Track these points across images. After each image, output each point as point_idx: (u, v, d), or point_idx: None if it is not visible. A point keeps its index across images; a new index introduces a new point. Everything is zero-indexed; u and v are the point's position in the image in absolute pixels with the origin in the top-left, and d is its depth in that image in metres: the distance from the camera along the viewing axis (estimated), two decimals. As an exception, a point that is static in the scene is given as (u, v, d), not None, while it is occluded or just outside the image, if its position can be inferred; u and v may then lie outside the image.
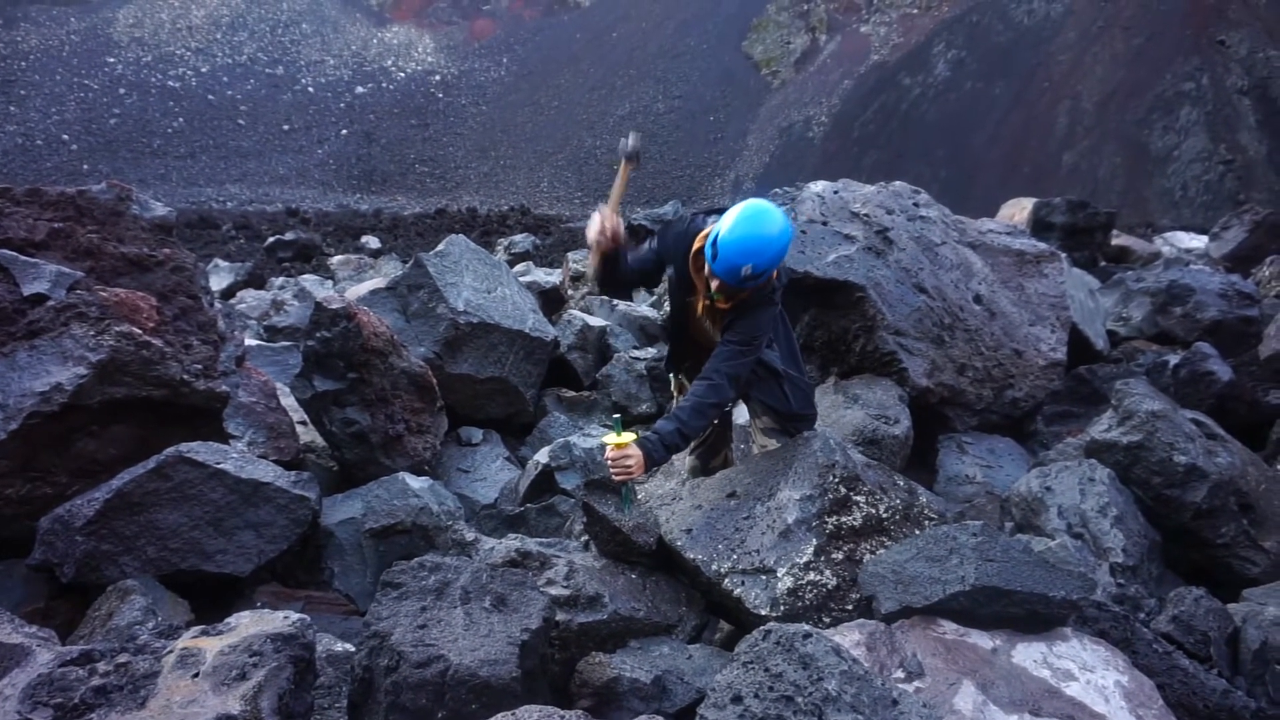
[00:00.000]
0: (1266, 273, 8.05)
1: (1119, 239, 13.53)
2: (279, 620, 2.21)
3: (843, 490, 2.70)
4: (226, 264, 13.76)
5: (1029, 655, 2.20)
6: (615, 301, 8.16)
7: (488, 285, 6.03)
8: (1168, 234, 17.81)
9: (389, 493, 4.46)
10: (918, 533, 2.78)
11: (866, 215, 5.26)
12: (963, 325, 5.05)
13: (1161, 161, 37.48)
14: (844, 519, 2.66)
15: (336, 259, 16.62)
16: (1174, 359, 5.46)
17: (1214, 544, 3.24)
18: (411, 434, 5.01)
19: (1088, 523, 3.15)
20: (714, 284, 2.94)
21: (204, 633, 2.19)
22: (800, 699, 1.69)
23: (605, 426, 2.67)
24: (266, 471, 4.09)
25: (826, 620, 2.49)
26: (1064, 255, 5.83)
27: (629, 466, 2.79)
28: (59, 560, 3.55)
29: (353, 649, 2.85)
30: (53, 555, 3.40)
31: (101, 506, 3.60)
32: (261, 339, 8.21)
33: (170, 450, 3.84)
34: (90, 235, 4.63)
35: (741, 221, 2.80)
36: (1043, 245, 5.71)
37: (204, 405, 4.36)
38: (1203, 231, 17.18)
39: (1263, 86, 36.89)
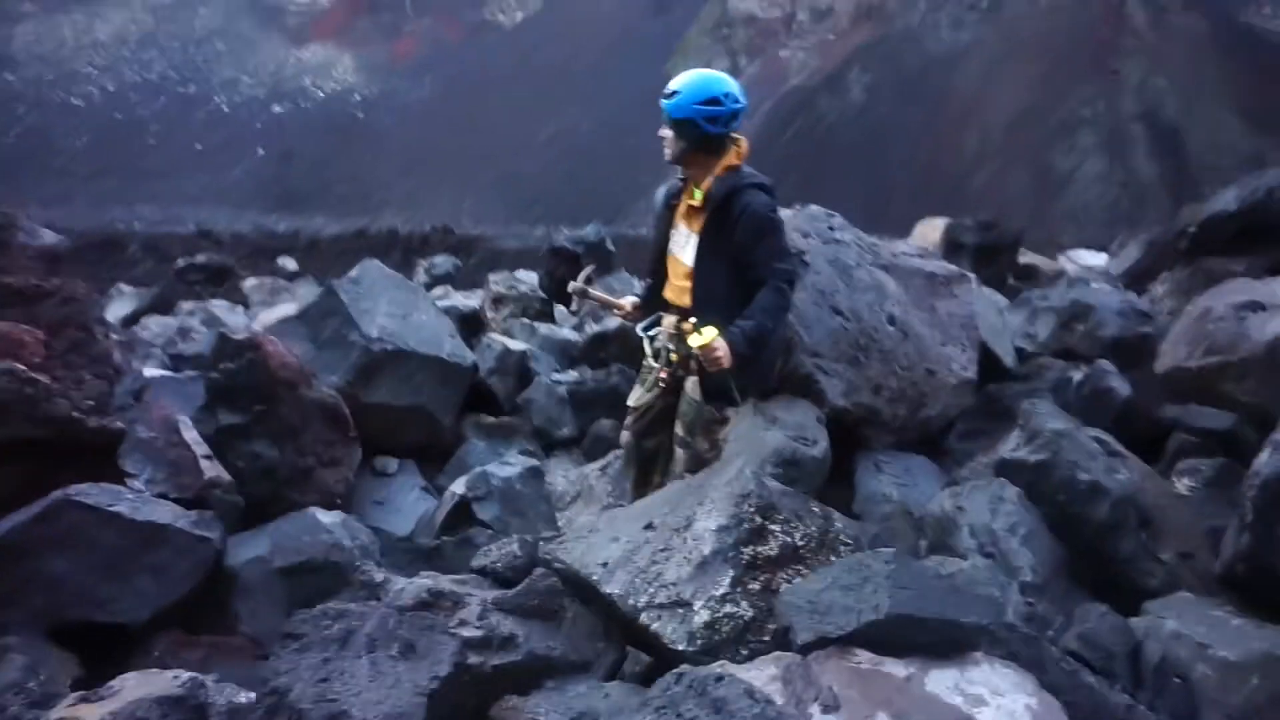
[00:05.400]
0: (1159, 290, 8.43)
1: (1026, 257, 14.03)
2: (167, 681, 2.08)
3: (758, 520, 2.69)
4: (130, 289, 13.20)
5: (942, 682, 2.22)
6: (536, 325, 8.09)
7: (403, 310, 5.90)
8: (1071, 251, 18.53)
9: (298, 529, 4.29)
10: (833, 559, 2.79)
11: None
12: (878, 346, 5.14)
13: (1064, 182, 39.22)
14: (760, 549, 2.65)
15: (250, 283, 16.12)
16: (1078, 375, 5.65)
17: (1116, 558, 3.34)
18: (323, 466, 4.84)
19: (998, 541, 3.22)
20: (665, 136, 3.35)
21: (83, 700, 2.04)
22: (712, 743, 1.66)
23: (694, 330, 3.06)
24: (164, 512, 3.90)
25: (744, 652, 2.47)
26: (973, 276, 5.99)
27: (718, 358, 3.02)
28: (-63, 615, 3.31)
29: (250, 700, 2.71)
30: (-72, 608, 3.17)
31: (-17, 556, 3.37)
32: (167, 368, 7.86)
33: (57, 494, 3.63)
34: (-30, 267, 4.37)
35: None
36: (953, 267, 5.87)
37: (97, 443, 4.15)
38: (1103, 248, 17.94)
39: (1153, 113, 38.95)
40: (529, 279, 11.19)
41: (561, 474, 5.29)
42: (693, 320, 3.22)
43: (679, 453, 3.43)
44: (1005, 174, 41.87)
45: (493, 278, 11.29)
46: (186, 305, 13.88)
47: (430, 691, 2.16)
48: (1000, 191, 41.17)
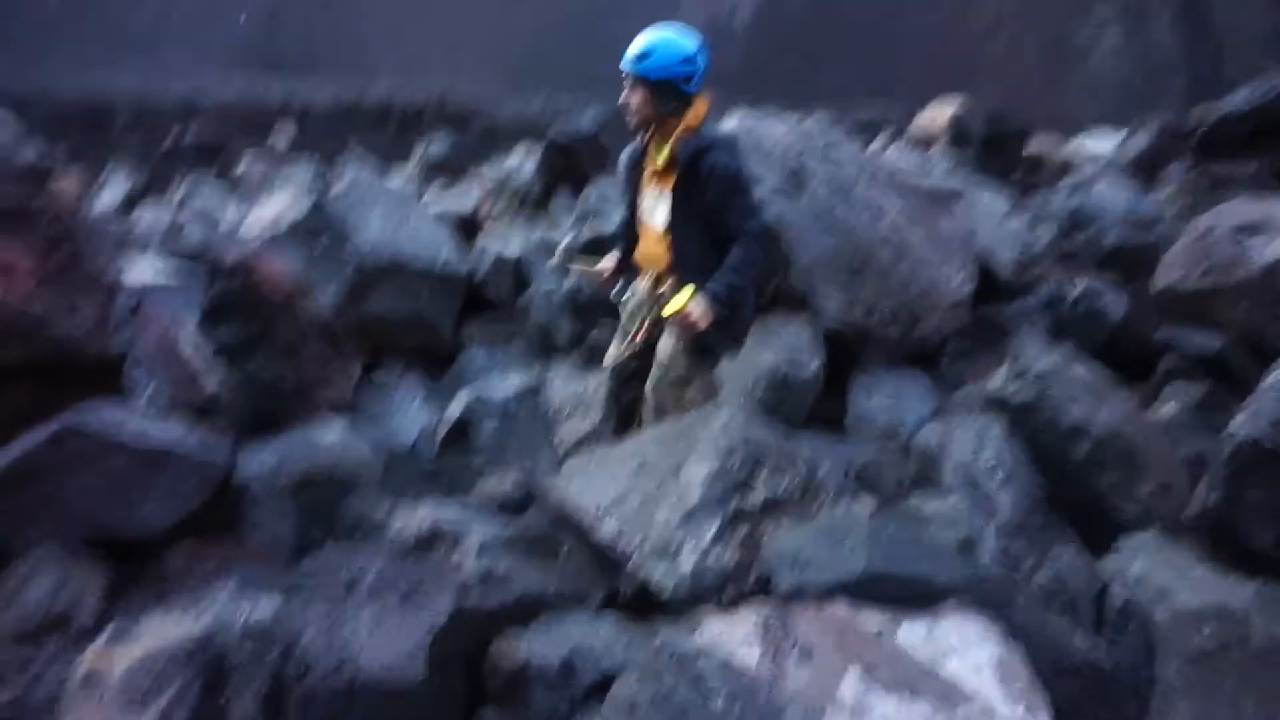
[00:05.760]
0: (1166, 191, 8.31)
1: (1034, 145, 13.76)
2: (188, 625, 2.21)
3: (745, 472, 2.79)
4: (123, 172, 12.95)
5: (913, 634, 2.36)
6: (531, 225, 8.02)
7: (396, 221, 5.85)
8: (1082, 136, 18.12)
9: (303, 443, 4.42)
10: (818, 502, 2.90)
11: (781, 154, 5.24)
12: (873, 266, 5.14)
13: (1080, 56, 37.86)
14: (746, 499, 2.76)
15: (244, 163, 15.82)
16: (1074, 291, 5.66)
17: (1095, 494, 3.46)
18: (323, 383, 4.92)
19: (979, 481, 3.33)
20: (634, 101, 3.18)
21: (110, 642, 2.17)
22: (691, 715, 1.79)
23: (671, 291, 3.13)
24: (171, 433, 3.99)
25: (728, 597, 2.60)
26: (974, 189, 5.91)
27: (694, 323, 3.03)
28: (-45, 539, 3.45)
29: (273, 610, 2.81)
30: (-50, 530, 3.29)
31: (-5, 482, 3.48)
32: (163, 265, 7.84)
33: (64, 420, 3.71)
34: (-49, 187, 4.28)
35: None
36: (952, 184, 5.80)
37: (98, 367, 4.20)
38: (1117, 128, 17.52)
39: (1179, -18, 37.18)
40: (526, 168, 11.00)
41: (559, 385, 5.37)
42: (670, 283, 3.21)
43: (652, 410, 3.48)
44: (1019, 46, 40.39)
45: (488, 169, 11.11)
46: (180, 190, 13.70)
47: (430, 639, 2.30)
48: (1013, 65, 39.84)
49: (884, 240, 5.26)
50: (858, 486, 3.22)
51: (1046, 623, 2.69)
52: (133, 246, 8.29)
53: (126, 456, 3.77)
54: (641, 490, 2.91)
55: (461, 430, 4.46)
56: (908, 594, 2.43)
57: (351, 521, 4.00)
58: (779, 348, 4.84)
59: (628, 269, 3.59)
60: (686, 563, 2.63)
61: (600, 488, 3.00)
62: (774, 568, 2.55)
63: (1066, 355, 3.93)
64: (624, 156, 3.50)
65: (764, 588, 2.59)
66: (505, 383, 4.78)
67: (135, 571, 3.80)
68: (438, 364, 5.96)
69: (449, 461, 4.35)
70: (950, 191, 5.59)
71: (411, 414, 5.20)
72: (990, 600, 2.66)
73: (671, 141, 3.19)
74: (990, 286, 6.04)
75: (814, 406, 4.83)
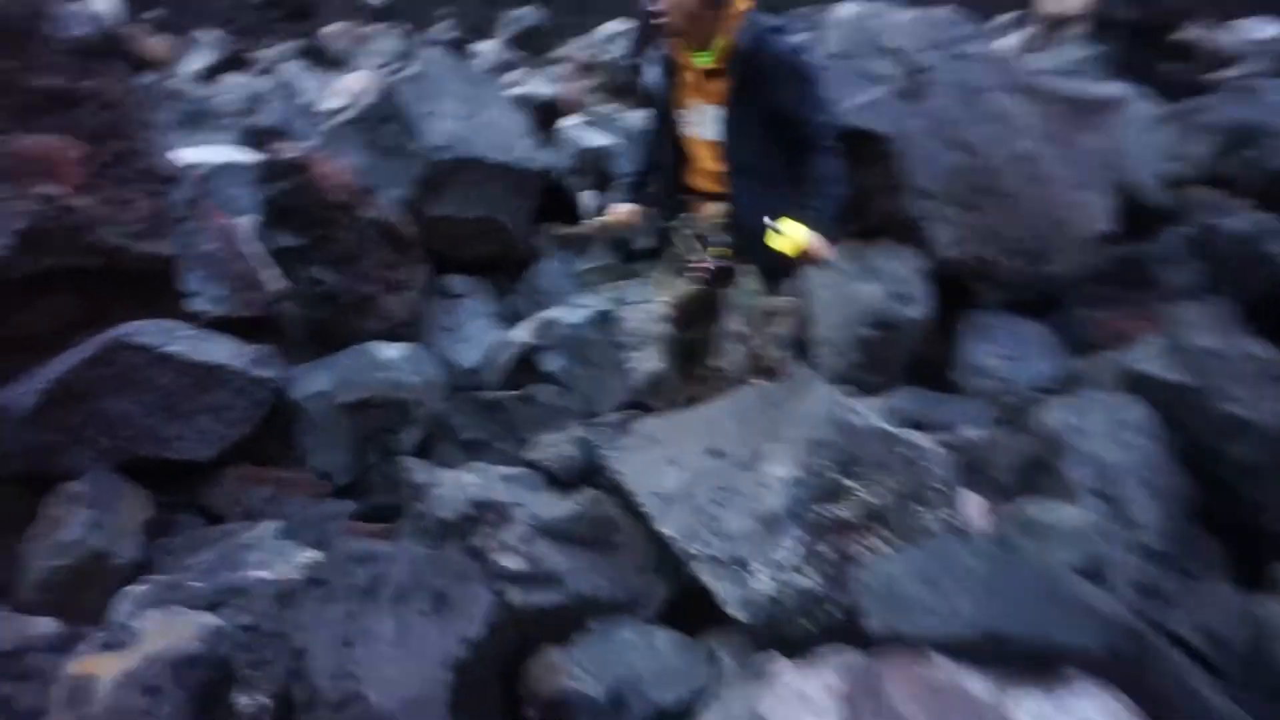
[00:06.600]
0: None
1: (1185, 33, 12.16)
2: (187, 631, 1.97)
3: (836, 475, 2.35)
4: (208, 39, 12.63)
5: (1027, 711, 1.95)
6: (616, 114, 7.38)
7: (470, 110, 5.36)
8: (1240, 22, 16.02)
9: (360, 364, 4.16)
10: (921, 510, 2.46)
11: (901, 50, 4.52)
12: (999, 188, 4.47)
13: (1251, -80, 33.42)
14: (835, 509, 2.33)
15: (331, 29, 15.32)
16: (1234, 225, 4.84)
17: (1249, 504, 2.92)
18: (386, 292, 4.60)
19: (1117, 483, 2.80)
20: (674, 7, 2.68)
21: (105, 647, 1.95)
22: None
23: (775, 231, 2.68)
24: (221, 351, 3.79)
25: (806, 625, 2.23)
26: (1128, 98, 5.05)
27: (821, 256, 2.73)
28: (3, 454, 3.35)
29: (289, 600, 2.51)
30: (-5, 448, 3.18)
31: (41, 398, 3.35)
32: (241, 143, 7.57)
33: (110, 334, 3.52)
34: (-6, 65, 3.98)
35: None
36: (1104, 91, 4.95)
37: (151, 269, 3.97)
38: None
39: None
40: (619, 43, 10.24)
41: (636, 304, 4.94)
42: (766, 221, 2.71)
43: (731, 348, 3.06)
44: (1180, -93, 35.85)
45: (578, 43, 10.39)
46: (269, 53, 13.35)
47: (457, 660, 2.00)
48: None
49: (1015, 158, 4.56)
50: (966, 484, 2.75)
51: (1188, 687, 2.24)
52: (207, 121, 8.06)
53: (176, 371, 3.59)
54: (712, 480, 2.52)
55: (528, 359, 4.12)
56: (1022, 654, 2.01)
57: (399, 448, 3.79)
58: (883, 280, 4.30)
59: (669, 198, 3.09)
60: (762, 583, 2.25)
61: (666, 469, 2.62)
62: (865, 601, 2.15)
63: (1233, 323, 3.30)
64: (654, 74, 2.98)
65: (851, 620, 2.21)
66: (578, 306, 4.39)
67: (184, 499, 3.67)
68: (509, 273, 5.58)
69: (511, 393, 4.03)
70: (1102, 100, 4.78)
71: (477, 331, 4.89)
72: (1121, 659, 2.21)
73: (721, 36, 2.68)
74: (1131, 214, 5.24)
75: (919, 356, 4.31)
